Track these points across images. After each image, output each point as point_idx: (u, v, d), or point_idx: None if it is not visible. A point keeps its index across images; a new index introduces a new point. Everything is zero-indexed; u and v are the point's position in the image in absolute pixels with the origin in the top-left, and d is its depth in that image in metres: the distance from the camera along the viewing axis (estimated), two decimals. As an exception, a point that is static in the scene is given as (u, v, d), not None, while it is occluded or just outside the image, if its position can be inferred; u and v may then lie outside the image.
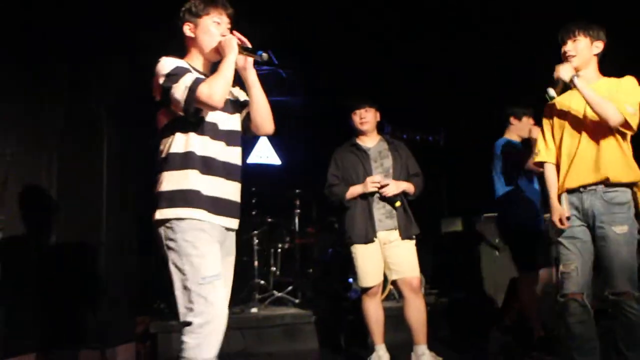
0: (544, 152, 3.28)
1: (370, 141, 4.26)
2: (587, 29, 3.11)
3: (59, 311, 4.30)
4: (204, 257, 2.37)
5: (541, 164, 3.31)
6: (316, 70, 7.14)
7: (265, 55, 2.61)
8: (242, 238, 6.24)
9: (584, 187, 3.02)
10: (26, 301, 4.11)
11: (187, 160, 2.46)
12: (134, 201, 5.02)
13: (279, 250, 6.40)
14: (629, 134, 3.02)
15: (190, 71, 2.47)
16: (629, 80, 3.06)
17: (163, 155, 2.51)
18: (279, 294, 5.94)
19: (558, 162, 3.21)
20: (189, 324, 2.33)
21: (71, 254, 4.47)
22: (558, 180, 3.18)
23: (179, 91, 2.38)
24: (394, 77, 6.94)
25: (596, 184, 2.98)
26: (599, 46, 3.13)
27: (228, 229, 2.58)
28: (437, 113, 7.33)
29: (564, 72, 3.02)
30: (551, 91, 3.02)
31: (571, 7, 4.76)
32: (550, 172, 3.24)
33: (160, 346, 4.80)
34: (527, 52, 5.83)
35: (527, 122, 4.56)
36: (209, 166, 2.50)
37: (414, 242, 4.07)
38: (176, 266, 2.38)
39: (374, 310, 4.07)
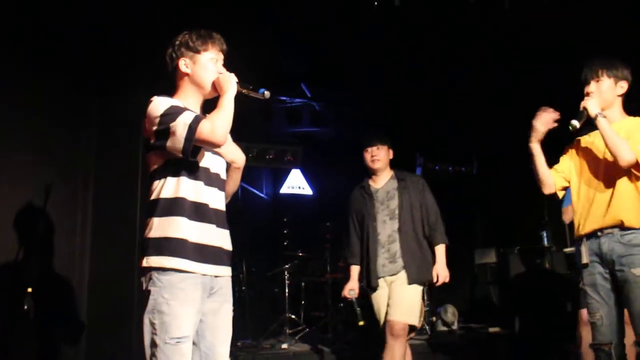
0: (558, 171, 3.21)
1: (381, 180, 4.12)
2: (611, 68, 3.01)
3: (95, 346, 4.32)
4: (176, 317, 2.29)
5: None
6: (348, 101, 7.16)
7: (267, 94, 2.54)
8: (274, 271, 6.26)
9: (601, 230, 2.92)
10: (59, 337, 4.16)
11: (176, 207, 2.37)
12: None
13: (310, 283, 6.36)
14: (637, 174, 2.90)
15: (187, 109, 2.38)
16: None
17: (153, 199, 2.41)
18: (309, 329, 5.90)
19: (563, 187, 3.19)
20: None
21: (100, 290, 4.51)
22: (576, 223, 3.07)
23: (178, 129, 2.30)
24: (425, 108, 6.91)
25: (612, 227, 2.89)
26: (623, 86, 3.02)
27: (217, 276, 2.47)
28: (469, 143, 7.28)
29: (591, 105, 2.93)
30: (575, 122, 2.92)
31: (604, 32, 4.71)
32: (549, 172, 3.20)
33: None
34: (556, 83, 5.78)
35: None
36: (200, 213, 2.41)
37: (421, 288, 3.90)
38: (148, 319, 2.31)
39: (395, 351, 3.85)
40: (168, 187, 2.39)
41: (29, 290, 3.46)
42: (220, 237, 2.49)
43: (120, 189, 4.69)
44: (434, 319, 6.53)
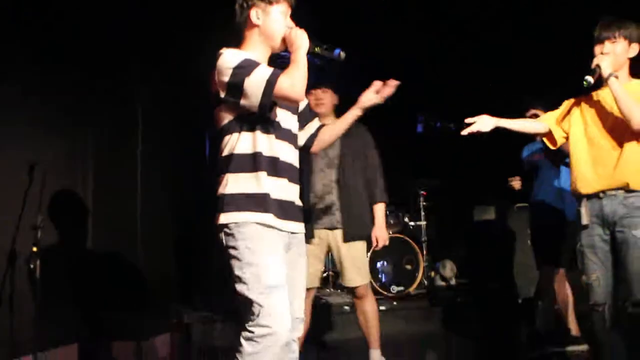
0: (549, 117, 3.25)
1: None
2: (627, 30, 2.97)
3: (96, 305, 4.42)
4: (266, 266, 2.26)
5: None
6: (347, 57, 7.07)
7: (342, 54, 2.46)
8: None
9: (604, 192, 2.94)
10: (64, 296, 4.23)
11: (255, 162, 2.33)
12: (169, 197, 5.10)
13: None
14: None
15: (260, 63, 2.33)
16: None
17: (226, 154, 2.37)
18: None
19: (560, 141, 3.23)
20: (249, 331, 2.23)
21: (107, 248, 4.57)
22: (574, 184, 3.08)
23: (255, 84, 2.24)
24: (427, 63, 6.86)
25: (616, 189, 2.90)
26: (635, 49, 3.01)
27: (294, 233, 2.46)
28: (471, 100, 7.23)
29: (605, 64, 2.89)
30: (589, 78, 2.87)
31: None
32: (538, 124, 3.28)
33: (195, 336, 4.92)
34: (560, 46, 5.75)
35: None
36: (275, 168, 2.37)
37: (362, 242, 3.79)
38: (237, 274, 2.27)
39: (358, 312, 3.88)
40: (243, 142, 2.34)
41: (35, 249, 3.50)
42: (294, 193, 2.47)
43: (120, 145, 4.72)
44: (432, 274, 6.63)
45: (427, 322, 5.50)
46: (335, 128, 2.77)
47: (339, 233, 3.73)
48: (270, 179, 2.34)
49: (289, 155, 2.45)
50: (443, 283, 6.57)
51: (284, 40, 2.42)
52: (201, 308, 5.03)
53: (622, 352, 2.93)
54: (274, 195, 2.34)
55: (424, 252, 6.35)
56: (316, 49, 2.42)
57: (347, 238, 3.69)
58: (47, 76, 4.29)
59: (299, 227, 2.49)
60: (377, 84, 2.69)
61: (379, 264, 6.05)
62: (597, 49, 2.99)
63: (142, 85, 4.80)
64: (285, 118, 2.47)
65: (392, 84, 2.67)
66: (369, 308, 3.81)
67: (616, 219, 2.89)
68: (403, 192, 7.24)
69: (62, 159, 4.37)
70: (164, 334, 4.73)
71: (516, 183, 4.53)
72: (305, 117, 2.67)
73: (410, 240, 6.27)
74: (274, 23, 2.42)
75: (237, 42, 2.47)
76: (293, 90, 2.28)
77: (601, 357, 2.99)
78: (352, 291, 3.83)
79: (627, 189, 2.88)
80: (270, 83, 2.24)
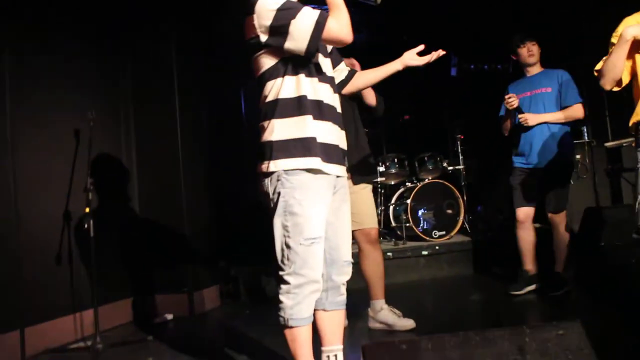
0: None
1: None
2: None
3: (147, 262, 4.60)
4: (309, 218, 2.26)
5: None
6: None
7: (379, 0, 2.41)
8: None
9: None
10: (117, 253, 4.42)
11: (300, 106, 2.29)
12: (209, 151, 5.19)
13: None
14: None
15: (303, 5, 2.25)
16: None
17: (270, 100, 2.32)
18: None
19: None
20: (285, 282, 2.29)
21: (154, 208, 4.74)
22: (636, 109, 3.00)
23: (303, 26, 2.19)
24: (460, 5, 6.70)
25: None
26: None
27: (339, 176, 2.45)
28: (505, 41, 7.09)
29: None
30: None
31: None
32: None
33: (242, 287, 5.10)
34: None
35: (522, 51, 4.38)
36: (320, 111, 2.34)
37: (369, 186, 3.74)
38: (280, 222, 2.29)
39: None
40: (288, 87, 2.30)
41: (87, 210, 3.63)
42: (338, 135, 2.47)
43: (159, 109, 4.83)
44: (474, 217, 6.64)
45: (469, 264, 5.55)
46: (371, 77, 2.77)
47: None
48: (316, 123, 2.32)
49: (331, 98, 2.44)
50: (484, 227, 6.57)
51: None
52: (247, 261, 5.16)
53: None
54: (321, 138, 2.32)
55: (464, 196, 6.35)
56: None
57: (355, 182, 3.63)
58: (87, 43, 4.38)
59: (343, 170, 2.48)
60: (420, 48, 2.72)
61: (420, 211, 6.07)
62: None
63: (178, 50, 4.83)
64: (323, 61, 2.45)
65: (438, 53, 2.72)
66: (380, 256, 3.71)
67: None
68: (440, 137, 7.22)
69: (107, 123, 4.49)
70: (213, 286, 4.90)
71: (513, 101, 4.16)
72: (334, 60, 2.65)
73: (450, 185, 6.27)
74: None
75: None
76: (342, 32, 2.26)
77: None
78: (367, 237, 3.65)
79: None
80: (320, 25, 2.20)
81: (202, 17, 5.16)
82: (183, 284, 4.59)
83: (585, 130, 6.69)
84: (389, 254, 5.42)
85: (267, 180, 2.32)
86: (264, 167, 2.32)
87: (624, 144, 6.29)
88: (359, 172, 3.63)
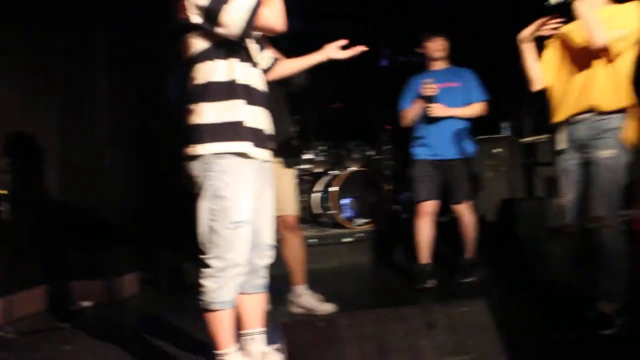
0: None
1: None
2: None
3: (64, 246, 4.46)
4: (236, 201, 2.28)
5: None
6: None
7: None
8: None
9: (576, 115, 3.00)
10: (32, 238, 4.26)
11: (231, 90, 2.29)
12: (135, 134, 5.07)
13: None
14: (611, 58, 2.89)
15: None
16: (632, 6, 2.91)
17: (200, 83, 2.31)
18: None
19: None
20: (207, 265, 2.29)
21: (74, 190, 4.57)
22: (557, 109, 3.14)
23: (236, 12, 2.19)
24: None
25: (585, 112, 2.96)
26: None
27: (265, 161, 2.48)
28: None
29: None
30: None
31: None
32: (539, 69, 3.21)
33: (164, 273, 5.02)
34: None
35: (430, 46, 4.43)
36: (250, 95, 2.35)
37: (292, 173, 3.77)
38: (206, 206, 2.29)
39: None
40: (220, 70, 2.30)
41: (2, 192, 3.50)
42: (266, 120, 2.47)
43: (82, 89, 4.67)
44: (398, 206, 6.79)
45: (390, 251, 5.68)
46: (295, 65, 2.81)
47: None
48: (247, 107, 2.33)
49: (260, 83, 2.45)
50: (407, 216, 6.72)
51: None
52: (171, 247, 5.09)
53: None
54: (250, 123, 2.34)
55: (389, 186, 6.48)
56: None
57: (277, 166, 3.57)
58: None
59: (269, 155, 2.50)
60: (342, 42, 2.77)
61: (344, 199, 6.16)
62: None
63: (103, 30, 4.69)
64: (253, 46, 2.45)
65: (359, 49, 2.78)
66: (300, 241, 3.74)
67: (586, 142, 2.98)
68: (368, 127, 7.31)
69: (28, 103, 4.31)
70: (134, 273, 4.81)
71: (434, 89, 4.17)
72: (260, 47, 2.63)
73: (374, 174, 6.39)
74: None
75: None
76: (276, 21, 2.28)
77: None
78: (287, 224, 3.67)
79: (597, 111, 2.93)
80: (254, 12, 2.21)
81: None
82: (103, 270, 4.48)
83: (505, 125, 6.95)
84: (312, 240, 5.48)
85: (194, 164, 2.32)
86: (192, 150, 2.30)
87: (540, 140, 6.60)
88: (282, 155, 3.62)
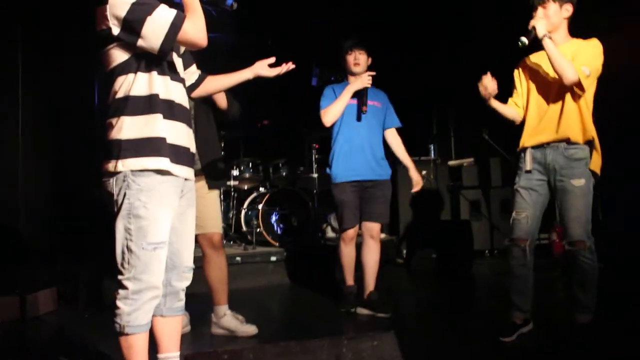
0: (516, 97, 3.45)
1: None
2: None
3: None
4: (154, 221, 2.21)
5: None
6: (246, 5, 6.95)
7: (235, 4, 2.44)
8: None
9: (548, 144, 3.22)
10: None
11: (151, 104, 2.22)
12: (50, 148, 4.88)
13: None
14: (581, 94, 3.13)
15: (160, 2, 2.20)
16: (594, 43, 3.18)
17: (120, 97, 2.23)
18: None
19: (523, 118, 3.41)
20: (123, 287, 2.20)
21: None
22: (522, 135, 3.35)
23: (157, 25, 2.14)
24: (323, 18, 6.86)
25: (559, 141, 3.19)
26: (568, 9, 3.20)
27: (187, 179, 2.39)
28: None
29: (540, 25, 3.07)
30: (524, 39, 3.05)
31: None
32: (509, 104, 3.45)
33: (82, 290, 4.80)
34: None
35: (349, 58, 4.24)
36: (172, 111, 2.28)
37: (217, 191, 3.70)
38: (122, 225, 2.20)
39: None
40: (139, 84, 2.23)
41: None
42: (188, 137, 2.39)
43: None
44: (324, 226, 6.80)
45: (317, 270, 5.66)
46: (223, 82, 2.77)
47: (200, 180, 3.52)
48: (167, 122, 2.26)
49: (183, 98, 2.39)
50: (333, 234, 6.74)
51: None
52: (90, 262, 4.88)
53: (530, 283, 3.29)
54: (171, 139, 2.27)
55: (316, 204, 6.48)
56: None
57: (210, 187, 3.57)
58: None
59: (192, 173, 2.43)
60: (271, 60, 2.77)
61: (271, 216, 6.11)
62: (533, 15, 3.19)
63: (24, 31, 4.50)
64: (176, 60, 2.40)
65: (288, 67, 2.78)
66: (223, 260, 3.65)
67: (557, 168, 3.19)
68: (296, 145, 7.32)
69: None
70: (49, 289, 4.57)
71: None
72: (186, 62, 2.59)
73: (302, 192, 6.38)
74: None
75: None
76: (197, 36, 2.23)
77: (516, 287, 3.30)
78: (209, 241, 3.58)
79: (567, 142, 3.16)
80: (175, 26, 2.16)
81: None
82: (15, 286, 4.24)
83: (431, 148, 7.10)
84: (237, 258, 5.40)
85: (112, 180, 2.22)
86: (111, 166, 2.21)
87: (465, 164, 6.78)
88: (209, 177, 3.55)
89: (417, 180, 4.23)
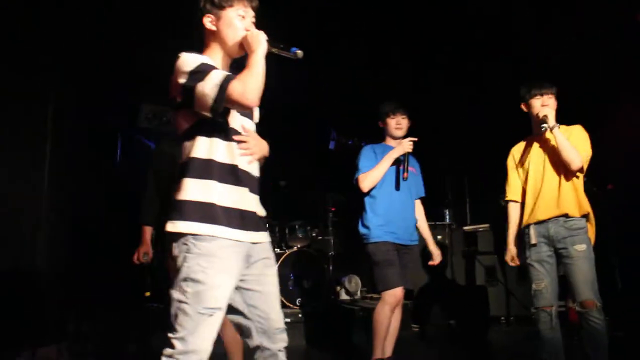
0: (511, 191, 3.80)
1: None
2: (554, 87, 3.65)
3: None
4: (212, 287, 2.18)
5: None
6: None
7: (300, 53, 2.39)
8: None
9: (549, 219, 3.56)
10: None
11: (209, 168, 2.26)
12: (77, 199, 4.96)
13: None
14: (580, 176, 3.58)
15: (217, 67, 2.26)
16: (580, 130, 3.62)
17: (184, 160, 2.29)
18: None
19: (522, 199, 3.75)
20: (171, 345, 2.16)
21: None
22: (523, 214, 3.69)
23: (207, 89, 2.18)
24: (341, 83, 7.03)
25: (558, 216, 3.54)
26: (556, 102, 3.65)
27: (255, 243, 2.36)
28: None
29: (551, 116, 3.52)
30: (545, 126, 3.49)
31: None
32: (513, 210, 3.79)
33: (92, 345, 4.78)
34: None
35: (391, 121, 4.26)
36: (234, 176, 2.30)
37: None
38: (180, 286, 2.18)
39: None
40: (200, 148, 2.27)
41: None
42: (254, 202, 2.39)
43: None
44: (338, 288, 6.76)
45: (331, 334, 5.59)
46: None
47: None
48: (227, 188, 2.27)
49: (251, 164, 2.39)
50: (348, 297, 6.69)
51: (243, 44, 2.37)
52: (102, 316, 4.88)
53: (560, 346, 3.52)
54: (230, 204, 2.27)
55: (331, 266, 6.47)
56: (273, 49, 2.37)
57: None
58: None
59: (261, 236, 2.40)
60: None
61: (287, 278, 6.10)
62: (538, 101, 3.63)
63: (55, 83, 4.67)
64: (246, 124, 2.42)
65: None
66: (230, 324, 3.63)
67: (560, 239, 3.52)
68: (313, 207, 7.35)
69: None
70: (55, 345, 4.53)
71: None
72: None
73: (317, 254, 6.38)
74: (227, 28, 2.37)
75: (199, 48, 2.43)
76: (244, 97, 2.21)
77: (546, 352, 3.51)
78: None
79: (566, 216, 3.53)
80: (222, 88, 2.18)
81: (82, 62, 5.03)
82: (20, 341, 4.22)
83: (446, 213, 7.11)
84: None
85: (174, 243, 2.23)
86: (172, 227, 2.23)
87: (480, 229, 6.76)
88: None
89: (436, 255, 4.28)
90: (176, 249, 2.22)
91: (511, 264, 3.76)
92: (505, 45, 6.21)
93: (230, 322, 3.48)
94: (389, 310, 3.93)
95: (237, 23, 2.37)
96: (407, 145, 4.10)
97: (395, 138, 4.24)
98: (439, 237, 6.61)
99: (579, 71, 5.54)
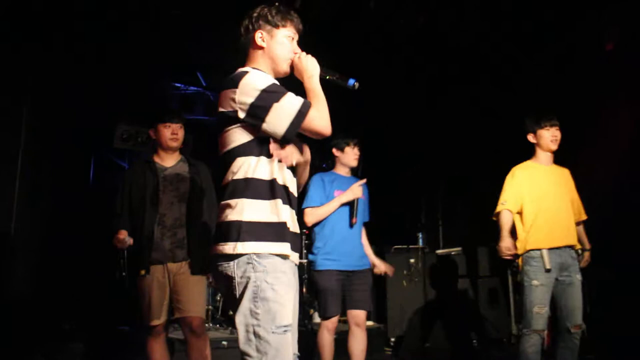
0: (511, 203, 3.99)
1: (171, 160, 3.81)
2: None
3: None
4: (282, 304, 2.16)
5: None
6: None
7: (357, 84, 2.39)
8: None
9: (564, 247, 3.86)
10: None
11: (273, 189, 2.24)
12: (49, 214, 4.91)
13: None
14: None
15: (288, 91, 2.25)
16: (566, 170, 4.18)
17: (239, 178, 2.24)
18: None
19: (519, 210, 3.99)
20: None
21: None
22: (530, 234, 3.89)
23: (284, 112, 2.18)
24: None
25: (569, 246, 3.88)
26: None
27: (296, 264, 2.39)
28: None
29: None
30: None
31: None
32: (509, 217, 3.98)
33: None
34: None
35: (350, 151, 4.35)
36: (287, 197, 2.30)
37: (204, 277, 3.70)
38: (248, 308, 2.14)
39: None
40: (262, 167, 2.25)
41: None
42: (297, 224, 2.38)
43: None
44: (312, 311, 6.73)
45: (304, 354, 5.55)
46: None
47: (184, 266, 3.62)
48: (285, 208, 2.27)
49: (294, 186, 2.40)
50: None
51: (289, 65, 2.40)
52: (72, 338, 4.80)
53: None
54: (289, 224, 2.27)
55: (304, 288, 6.44)
56: (328, 77, 2.39)
57: (194, 271, 3.61)
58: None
59: (297, 258, 2.41)
60: None
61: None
62: (548, 132, 3.94)
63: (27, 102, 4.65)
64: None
65: None
66: (205, 345, 3.65)
67: (566, 267, 3.84)
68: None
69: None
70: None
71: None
72: None
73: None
74: (278, 46, 2.40)
75: (241, 61, 2.44)
76: (322, 124, 2.24)
77: None
78: (189, 326, 3.59)
79: (573, 247, 3.91)
80: (302, 114, 2.20)
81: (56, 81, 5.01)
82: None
83: (420, 236, 7.17)
84: (224, 342, 5.30)
85: (232, 263, 2.19)
86: (229, 248, 2.19)
87: (453, 253, 6.83)
88: (195, 261, 3.61)
89: (378, 264, 4.45)
90: (235, 269, 2.18)
91: (507, 253, 3.92)
92: (480, 70, 6.34)
93: (193, 346, 3.54)
94: (328, 334, 4.17)
95: (287, 43, 2.41)
96: (357, 190, 4.21)
97: (348, 167, 4.39)
98: (412, 260, 6.64)
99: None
